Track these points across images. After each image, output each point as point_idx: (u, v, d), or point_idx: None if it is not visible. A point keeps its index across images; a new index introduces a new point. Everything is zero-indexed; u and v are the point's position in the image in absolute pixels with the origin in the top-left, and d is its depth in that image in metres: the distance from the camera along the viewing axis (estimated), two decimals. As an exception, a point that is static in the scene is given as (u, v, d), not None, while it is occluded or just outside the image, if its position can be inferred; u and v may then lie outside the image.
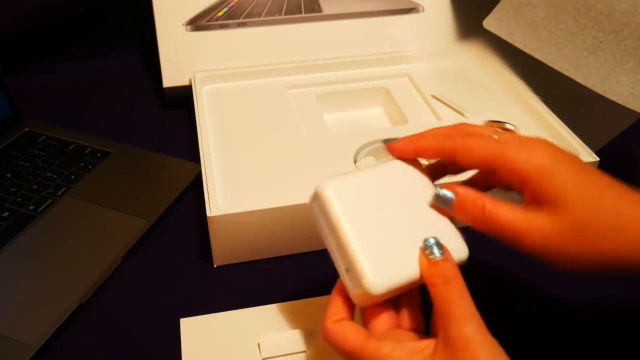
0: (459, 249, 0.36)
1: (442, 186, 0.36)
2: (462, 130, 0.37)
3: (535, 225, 0.33)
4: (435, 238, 0.34)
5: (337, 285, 0.37)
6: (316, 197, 0.36)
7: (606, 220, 0.33)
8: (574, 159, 0.35)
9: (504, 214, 0.34)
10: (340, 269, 0.36)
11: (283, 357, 0.43)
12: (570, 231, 0.33)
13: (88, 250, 0.52)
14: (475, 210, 0.35)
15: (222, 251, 0.52)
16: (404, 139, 0.38)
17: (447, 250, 0.34)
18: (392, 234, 0.35)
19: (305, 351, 0.44)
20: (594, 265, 0.33)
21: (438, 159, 0.39)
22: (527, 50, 0.63)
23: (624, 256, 0.32)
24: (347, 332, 0.34)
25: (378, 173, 0.38)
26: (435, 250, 0.34)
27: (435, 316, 0.33)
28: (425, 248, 0.34)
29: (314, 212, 0.37)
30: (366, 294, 0.33)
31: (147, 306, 0.48)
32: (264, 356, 0.43)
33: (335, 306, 0.36)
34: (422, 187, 0.37)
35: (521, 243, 0.33)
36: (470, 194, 0.35)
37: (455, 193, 0.36)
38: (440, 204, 0.36)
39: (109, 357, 0.44)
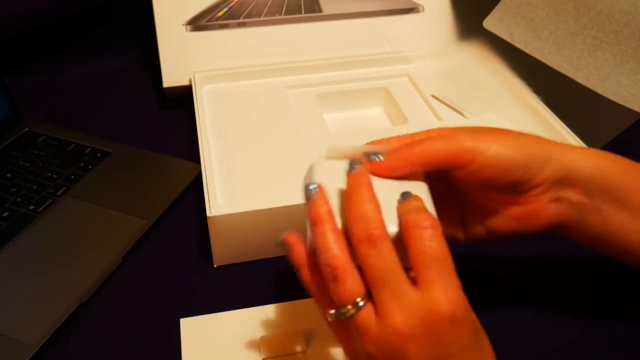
0: None
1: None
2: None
3: (466, 132, 0.38)
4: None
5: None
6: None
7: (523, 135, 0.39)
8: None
9: (433, 142, 0.37)
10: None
11: (283, 357, 0.43)
12: (496, 134, 0.38)
13: (88, 250, 0.52)
14: (403, 149, 0.37)
15: (222, 251, 0.52)
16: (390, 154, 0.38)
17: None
18: None
19: (305, 351, 0.44)
20: (520, 173, 0.38)
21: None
22: (527, 50, 0.63)
23: (545, 165, 0.38)
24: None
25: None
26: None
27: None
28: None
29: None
30: None
31: (147, 306, 0.48)
32: (263, 356, 0.43)
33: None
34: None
35: (456, 162, 0.37)
36: (396, 138, 0.40)
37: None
38: (371, 158, 0.37)
39: (109, 357, 0.44)
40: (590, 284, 0.51)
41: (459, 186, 0.41)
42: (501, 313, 0.48)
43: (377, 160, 0.37)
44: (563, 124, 0.61)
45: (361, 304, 0.32)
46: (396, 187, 0.36)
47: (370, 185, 0.34)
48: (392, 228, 0.33)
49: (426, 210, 0.33)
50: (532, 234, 0.41)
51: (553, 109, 0.63)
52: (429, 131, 0.40)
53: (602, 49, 0.58)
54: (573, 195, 0.39)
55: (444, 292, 0.31)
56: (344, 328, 0.34)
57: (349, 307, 0.32)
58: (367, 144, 0.40)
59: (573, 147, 0.40)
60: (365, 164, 0.37)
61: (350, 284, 0.32)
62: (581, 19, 0.59)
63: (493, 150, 0.37)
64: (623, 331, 0.47)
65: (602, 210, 0.39)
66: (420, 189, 0.37)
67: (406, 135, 0.40)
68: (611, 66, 0.57)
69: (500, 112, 0.64)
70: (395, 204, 0.35)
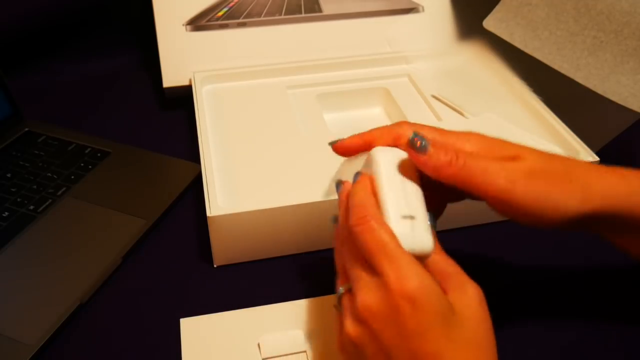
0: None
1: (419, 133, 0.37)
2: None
3: (501, 169, 0.35)
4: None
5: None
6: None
7: (557, 168, 0.36)
8: None
9: (477, 160, 0.36)
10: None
11: (283, 357, 0.43)
12: (528, 175, 0.35)
13: (88, 250, 0.52)
14: (449, 156, 0.35)
15: (222, 251, 0.52)
16: (351, 137, 0.41)
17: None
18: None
19: (305, 351, 0.44)
20: (545, 213, 0.35)
21: None
22: (527, 50, 0.63)
23: (572, 205, 0.35)
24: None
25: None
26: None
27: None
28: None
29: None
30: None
31: (147, 306, 0.48)
32: (264, 356, 0.43)
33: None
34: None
35: (488, 186, 0.35)
36: (441, 143, 0.37)
37: (429, 139, 0.36)
38: (414, 146, 0.36)
39: (109, 357, 0.44)
40: (589, 285, 0.51)
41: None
42: (501, 315, 0.48)
43: (422, 149, 0.36)
44: (563, 124, 0.61)
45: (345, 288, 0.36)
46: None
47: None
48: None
49: (361, 203, 0.35)
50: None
51: (553, 109, 0.63)
52: (479, 145, 0.38)
53: (602, 49, 0.58)
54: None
55: (396, 276, 0.32)
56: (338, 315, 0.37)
57: (341, 288, 0.36)
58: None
59: (621, 179, 0.37)
60: (409, 151, 0.37)
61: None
62: (581, 19, 0.59)
63: (533, 188, 0.35)
64: (622, 332, 0.47)
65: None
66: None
67: (449, 137, 0.39)
68: (611, 66, 0.57)
69: (500, 112, 0.64)
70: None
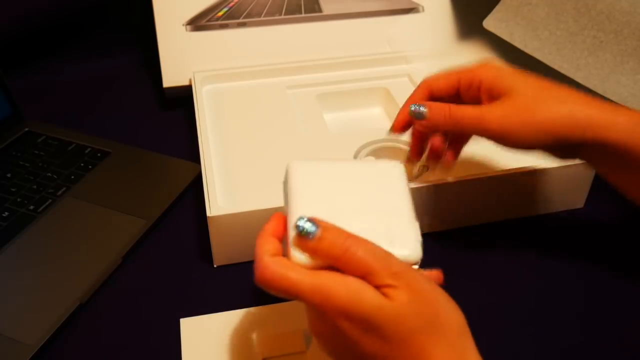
0: (412, 250, 0.34)
1: (417, 102, 0.46)
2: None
3: (494, 109, 0.43)
4: (303, 218, 0.33)
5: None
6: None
7: (549, 94, 0.42)
8: (515, 68, 0.45)
9: (466, 108, 0.44)
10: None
11: (283, 357, 0.43)
12: (521, 105, 0.42)
13: (88, 250, 0.52)
14: (443, 112, 0.44)
15: (222, 251, 0.51)
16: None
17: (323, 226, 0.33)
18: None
19: (305, 351, 0.44)
20: (539, 135, 0.41)
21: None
22: (527, 50, 0.63)
23: (564, 124, 0.41)
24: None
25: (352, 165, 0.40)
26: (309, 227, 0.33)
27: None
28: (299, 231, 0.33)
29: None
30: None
31: (147, 306, 0.48)
32: (264, 356, 0.43)
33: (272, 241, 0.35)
34: (394, 187, 0.38)
35: (484, 127, 0.43)
36: (436, 103, 0.45)
37: (426, 105, 0.45)
38: (415, 116, 0.46)
39: (109, 357, 0.44)
40: (590, 287, 0.51)
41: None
42: (500, 317, 0.48)
43: (421, 116, 0.45)
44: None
45: None
46: (371, 168, 0.39)
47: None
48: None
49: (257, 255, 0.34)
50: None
51: (553, 109, 0.63)
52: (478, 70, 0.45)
53: (602, 49, 0.58)
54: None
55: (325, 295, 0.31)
56: None
57: None
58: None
59: (610, 112, 0.41)
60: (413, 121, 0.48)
61: None
62: (581, 19, 0.59)
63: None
64: (623, 335, 0.47)
65: (628, 174, 0.43)
66: (395, 169, 0.39)
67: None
68: (611, 66, 0.57)
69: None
70: (373, 217, 0.36)
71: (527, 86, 0.42)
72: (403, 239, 0.34)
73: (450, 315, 0.32)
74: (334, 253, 0.32)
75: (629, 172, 0.42)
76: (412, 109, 0.45)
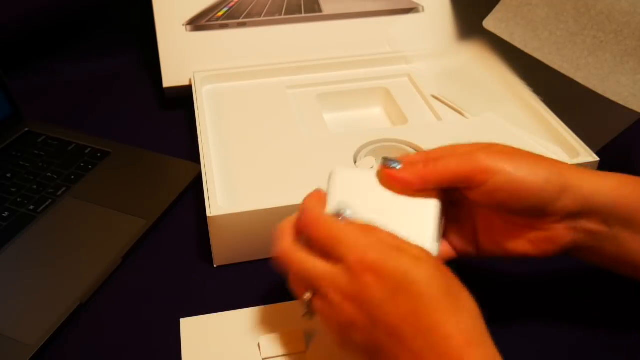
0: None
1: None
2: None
3: (478, 165, 0.37)
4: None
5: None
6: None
7: (529, 166, 0.37)
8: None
9: (448, 160, 0.38)
10: None
11: (283, 357, 0.43)
12: (505, 178, 0.37)
13: (88, 250, 0.52)
14: (419, 165, 0.38)
15: (222, 251, 0.52)
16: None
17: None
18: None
19: (305, 351, 0.44)
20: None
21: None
22: (527, 50, 0.63)
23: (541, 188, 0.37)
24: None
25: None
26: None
27: None
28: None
29: None
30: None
31: (147, 306, 0.48)
32: (264, 356, 0.43)
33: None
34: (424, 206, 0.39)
35: (470, 182, 0.37)
36: (413, 154, 0.40)
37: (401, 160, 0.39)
38: (389, 164, 0.39)
39: (109, 357, 0.44)
40: (591, 288, 0.51)
41: (474, 205, 0.41)
42: (503, 319, 0.48)
43: (394, 168, 0.39)
44: (563, 124, 0.61)
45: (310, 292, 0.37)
46: (407, 202, 0.39)
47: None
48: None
49: (307, 207, 0.38)
50: (546, 257, 0.40)
51: (553, 109, 0.63)
52: (442, 149, 0.39)
53: (602, 49, 0.58)
54: (590, 224, 0.38)
55: (354, 256, 0.34)
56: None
57: (307, 294, 0.37)
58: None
59: (592, 173, 0.39)
60: (383, 169, 0.39)
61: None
62: (581, 19, 0.59)
63: (507, 173, 0.36)
64: (624, 337, 0.47)
65: (619, 237, 0.39)
66: (430, 206, 0.39)
67: (421, 153, 0.40)
68: (611, 66, 0.57)
69: (500, 112, 0.64)
70: (400, 217, 0.38)
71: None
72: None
73: (470, 298, 0.33)
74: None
75: (619, 234, 0.39)
76: (386, 158, 0.39)
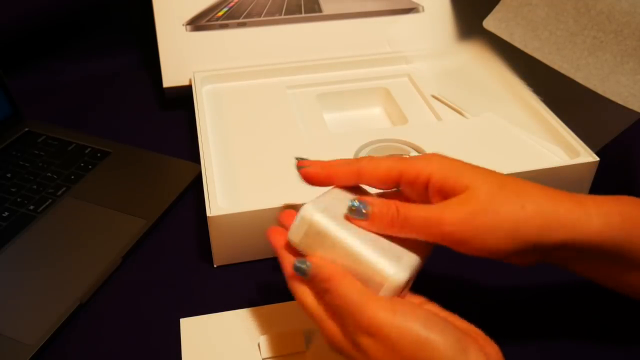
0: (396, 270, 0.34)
1: (358, 199, 0.36)
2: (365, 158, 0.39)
3: (455, 210, 0.34)
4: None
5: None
6: (306, 225, 0.36)
7: (511, 189, 0.35)
8: (466, 162, 0.37)
9: (419, 209, 0.35)
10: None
11: (283, 357, 0.43)
12: (483, 205, 0.34)
13: (88, 250, 0.52)
14: (390, 211, 0.35)
15: (222, 251, 0.52)
16: (315, 164, 0.39)
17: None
18: (372, 238, 0.36)
19: (305, 351, 0.44)
20: (507, 240, 0.34)
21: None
22: (527, 50, 0.63)
23: (527, 233, 0.34)
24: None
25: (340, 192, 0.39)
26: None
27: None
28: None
29: (307, 242, 0.36)
30: (393, 286, 0.34)
31: (147, 306, 0.48)
32: (264, 356, 0.43)
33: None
34: None
35: (442, 231, 0.34)
36: (382, 200, 0.36)
37: (368, 201, 0.36)
38: (355, 215, 0.36)
39: (109, 357, 0.44)
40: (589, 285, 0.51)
41: None
42: (500, 319, 0.48)
43: (361, 215, 0.36)
44: (563, 124, 0.61)
45: None
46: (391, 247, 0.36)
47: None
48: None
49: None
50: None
51: (553, 109, 0.63)
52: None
53: (602, 49, 0.58)
54: (574, 257, 0.37)
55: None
56: None
57: None
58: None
59: (578, 206, 0.35)
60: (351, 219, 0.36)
61: None
62: (581, 19, 0.59)
63: (443, 173, 0.36)
64: (619, 331, 0.47)
65: (606, 268, 0.37)
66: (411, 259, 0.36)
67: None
68: (611, 66, 0.57)
69: (500, 112, 0.64)
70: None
71: (485, 182, 0.35)
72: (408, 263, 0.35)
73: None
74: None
75: (609, 266, 0.37)
76: (353, 204, 0.36)
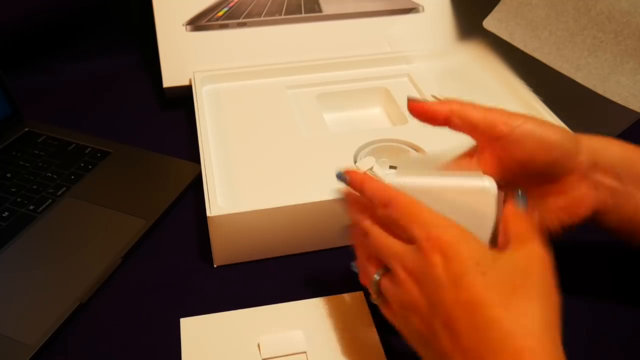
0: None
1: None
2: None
3: (501, 115, 0.41)
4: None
5: None
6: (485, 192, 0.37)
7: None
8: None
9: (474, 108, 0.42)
10: None
11: (283, 357, 0.43)
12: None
13: (88, 250, 0.52)
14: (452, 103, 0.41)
15: (222, 251, 0.52)
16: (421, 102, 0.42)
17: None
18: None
19: (305, 351, 0.44)
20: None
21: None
22: (527, 50, 0.63)
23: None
24: None
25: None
26: None
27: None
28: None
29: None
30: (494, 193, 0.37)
31: (147, 306, 0.48)
32: (264, 356, 0.43)
33: None
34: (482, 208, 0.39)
35: (492, 130, 0.40)
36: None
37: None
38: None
39: (109, 357, 0.44)
40: (589, 285, 0.51)
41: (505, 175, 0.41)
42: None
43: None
44: (563, 124, 0.61)
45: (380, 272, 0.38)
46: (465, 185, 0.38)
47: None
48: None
49: (380, 187, 0.38)
50: (578, 224, 0.42)
51: (553, 109, 0.63)
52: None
53: (602, 49, 0.58)
54: (607, 179, 0.41)
55: (426, 235, 0.34)
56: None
57: (375, 275, 0.38)
58: None
59: (598, 136, 0.41)
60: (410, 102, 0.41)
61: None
62: (581, 19, 0.59)
63: (529, 126, 0.39)
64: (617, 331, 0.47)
65: (634, 195, 0.41)
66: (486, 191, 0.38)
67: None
68: (611, 66, 0.57)
69: (500, 112, 0.64)
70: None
71: None
72: None
73: (545, 294, 0.33)
74: None
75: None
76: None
